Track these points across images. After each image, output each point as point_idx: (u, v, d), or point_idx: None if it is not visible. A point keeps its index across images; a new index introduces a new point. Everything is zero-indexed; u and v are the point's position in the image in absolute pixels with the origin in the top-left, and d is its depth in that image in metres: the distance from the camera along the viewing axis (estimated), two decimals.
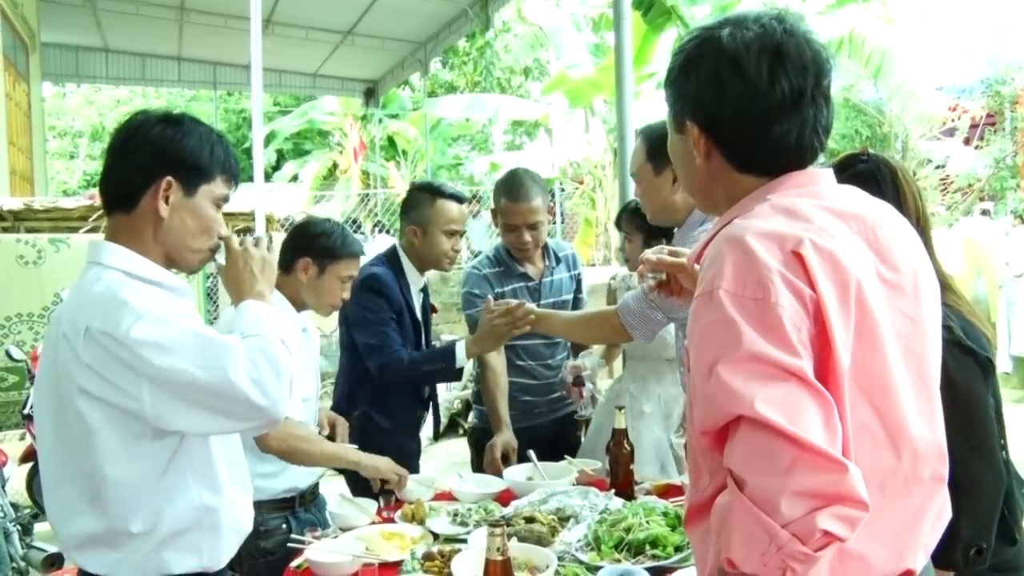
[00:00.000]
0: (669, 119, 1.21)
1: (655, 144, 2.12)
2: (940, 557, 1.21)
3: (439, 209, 2.62)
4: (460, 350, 2.51)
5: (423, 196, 2.66)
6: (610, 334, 2.36)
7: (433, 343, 2.89)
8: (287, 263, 2.26)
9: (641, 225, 2.66)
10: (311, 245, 2.26)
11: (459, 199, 2.68)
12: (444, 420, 6.95)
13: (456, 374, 2.56)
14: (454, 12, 11.16)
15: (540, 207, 2.71)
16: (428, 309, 2.84)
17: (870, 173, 1.64)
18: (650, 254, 1.60)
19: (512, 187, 2.70)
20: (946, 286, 1.55)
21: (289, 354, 1.44)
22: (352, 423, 2.52)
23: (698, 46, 1.12)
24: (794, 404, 0.91)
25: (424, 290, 2.79)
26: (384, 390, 2.63)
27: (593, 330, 2.43)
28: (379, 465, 2.18)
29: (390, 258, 2.70)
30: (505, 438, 2.63)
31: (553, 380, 2.89)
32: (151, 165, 1.46)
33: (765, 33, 1.07)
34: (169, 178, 1.46)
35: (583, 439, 2.93)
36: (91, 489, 1.42)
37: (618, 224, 2.95)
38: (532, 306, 2.42)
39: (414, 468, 2.64)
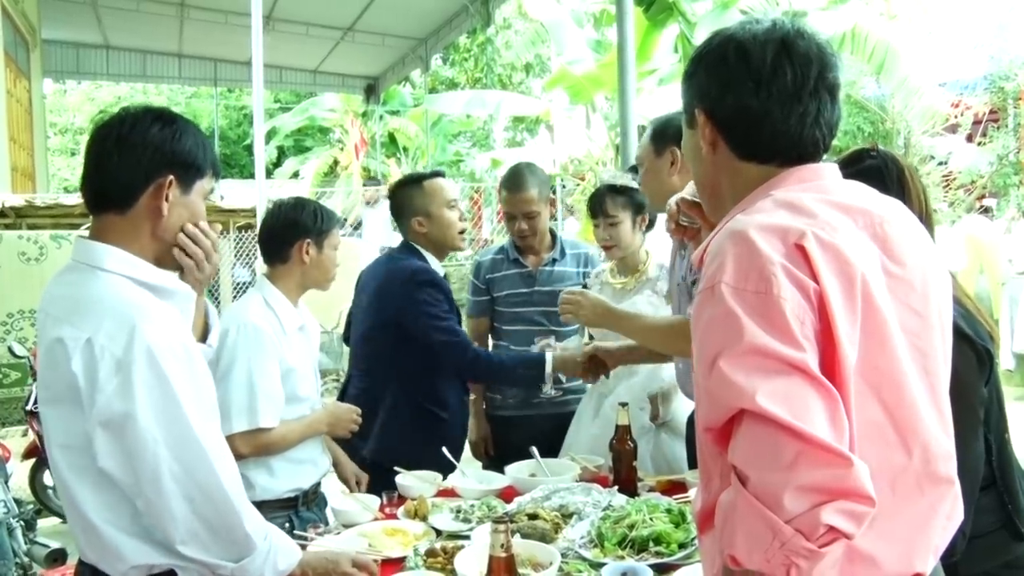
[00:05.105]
0: (683, 116, 1.23)
1: (658, 127, 2.22)
2: None
3: (431, 189, 2.67)
4: (549, 360, 2.54)
5: (410, 188, 2.71)
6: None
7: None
8: (283, 253, 2.25)
9: (627, 203, 2.62)
10: (307, 225, 2.26)
11: (440, 174, 2.77)
12: None
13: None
14: (455, 8, 11.11)
15: (535, 198, 2.84)
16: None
17: (877, 169, 1.66)
18: (687, 194, 1.67)
19: (510, 179, 2.89)
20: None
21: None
22: (377, 418, 2.55)
23: (711, 40, 1.16)
24: (797, 397, 0.90)
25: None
26: (439, 384, 2.63)
27: (682, 341, 2.11)
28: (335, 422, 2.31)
29: (412, 252, 2.68)
30: (480, 432, 3.01)
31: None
32: (152, 164, 1.46)
33: (775, 27, 1.11)
34: (171, 177, 1.47)
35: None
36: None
37: (599, 206, 2.64)
38: (607, 303, 2.38)
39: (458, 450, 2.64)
